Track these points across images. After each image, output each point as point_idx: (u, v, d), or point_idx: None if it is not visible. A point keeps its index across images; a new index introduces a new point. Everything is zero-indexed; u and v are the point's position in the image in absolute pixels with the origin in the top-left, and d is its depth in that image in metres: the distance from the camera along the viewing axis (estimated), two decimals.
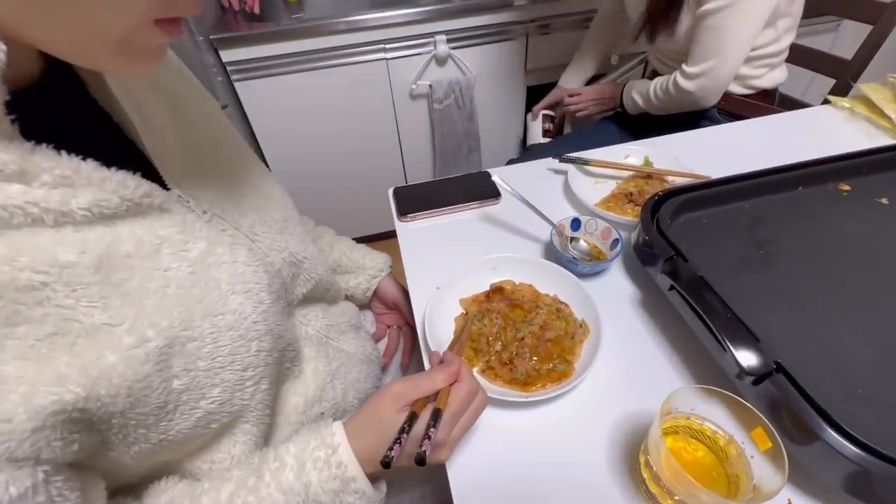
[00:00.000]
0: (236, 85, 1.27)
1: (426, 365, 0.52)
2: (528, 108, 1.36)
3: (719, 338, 0.43)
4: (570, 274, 0.57)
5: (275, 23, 1.25)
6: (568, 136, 1.31)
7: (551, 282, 0.58)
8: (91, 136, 0.34)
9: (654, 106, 1.04)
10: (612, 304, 0.56)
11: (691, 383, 0.48)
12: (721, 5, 0.84)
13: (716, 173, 0.67)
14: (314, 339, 0.54)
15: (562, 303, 0.56)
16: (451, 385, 0.41)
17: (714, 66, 0.90)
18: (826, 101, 0.93)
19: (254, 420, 0.43)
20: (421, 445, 0.36)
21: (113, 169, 0.30)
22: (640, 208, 0.60)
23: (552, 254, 0.62)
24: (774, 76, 1.01)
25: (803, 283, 0.51)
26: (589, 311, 0.54)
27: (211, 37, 1.17)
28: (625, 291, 0.59)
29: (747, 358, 0.41)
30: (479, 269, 0.59)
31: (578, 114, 1.21)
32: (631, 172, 0.76)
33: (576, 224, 0.64)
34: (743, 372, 0.40)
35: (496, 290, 0.58)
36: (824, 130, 0.84)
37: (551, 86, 1.31)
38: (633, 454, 0.43)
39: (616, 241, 0.60)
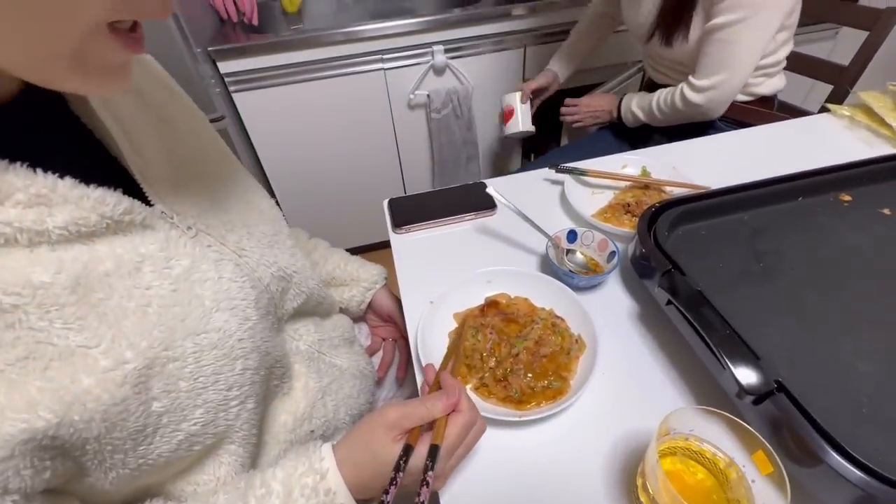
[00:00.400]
0: (234, 96, 1.27)
1: (418, 379, 0.51)
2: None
3: (718, 355, 0.41)
4: (567, 287, 0.56)
5: (273, 34, 1.26)
6: (565, 147, 1.30)
7: (547, 295, 0.57)
8: (71, 153, 0.33)
9: (657, 119, 1.03)
10: (608, 318, 0.55)
11: (691, 401, 0.47)
12: (731, 20, 0.83)
13: (714, 183, 0.66)
14: (305, 355, 0.53)
15: (558, 317, 0.55)
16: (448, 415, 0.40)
17: (724, 79, 0.89)
18: (824, 109, 0.92)
19: (239, 440, 0.41)
20: (419, 495, 0.34)
21: (92, 186, 0.30)
22: (637, 219, 0.59)
23: (548, 266, 0.61)
24: (773, 83, 1.00)
25: (805, 297, 0.50)
26: (585, 325, 0.52)
27: (209, 48, 1.17)
28: (622, 305, 0.57)
29: (747, 376, 0.39)
30: (473, 282, 0.58)
31: (575, 125, 1.20)
32: (628, 183, 0.75)
33: (572, 236, 0.63)
34: (743, 391, 0.39)
35: (491, 304, 0.56)
36: (824, 139, 0.84)
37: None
38: (630, 475, 0.42)
39: (613, 253, 0.59)
